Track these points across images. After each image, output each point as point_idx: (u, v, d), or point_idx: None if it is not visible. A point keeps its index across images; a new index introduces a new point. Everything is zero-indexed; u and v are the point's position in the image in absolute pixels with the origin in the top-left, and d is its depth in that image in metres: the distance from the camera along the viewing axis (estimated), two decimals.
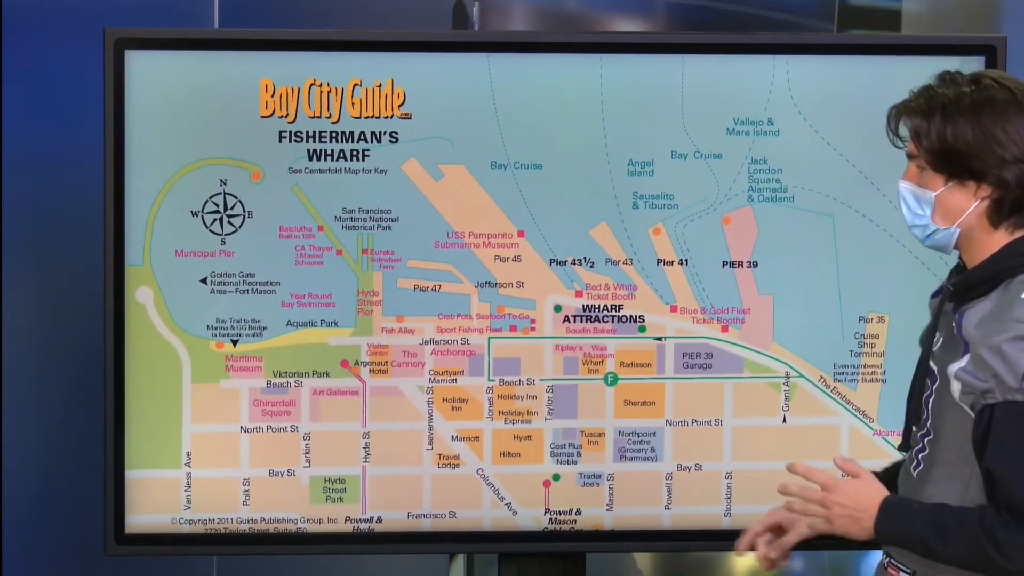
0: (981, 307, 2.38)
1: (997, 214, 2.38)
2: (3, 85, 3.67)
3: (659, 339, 3.25)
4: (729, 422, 3.27)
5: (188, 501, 3.23)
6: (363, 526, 3.25)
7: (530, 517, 3.27)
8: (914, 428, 2.52)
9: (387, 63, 3.20)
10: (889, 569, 2.50)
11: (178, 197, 3.19)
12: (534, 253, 3.24)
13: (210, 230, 3.20)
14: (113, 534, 3.21)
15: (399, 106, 3.20)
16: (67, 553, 3.75)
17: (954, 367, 2.38)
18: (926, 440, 2.47)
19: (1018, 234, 2.40)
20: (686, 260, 3.25)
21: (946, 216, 2.41)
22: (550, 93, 3.21)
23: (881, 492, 2.43)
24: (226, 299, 3.21)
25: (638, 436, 3.26)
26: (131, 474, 3.21)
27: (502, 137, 3.21)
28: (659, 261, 3.25)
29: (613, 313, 3.25)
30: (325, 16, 3.91)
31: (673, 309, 3.25)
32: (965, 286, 2.42)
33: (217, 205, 3.20)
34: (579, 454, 3.26)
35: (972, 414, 2.37)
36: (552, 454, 3.26)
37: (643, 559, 4.27)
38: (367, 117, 3.20)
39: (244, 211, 3.20)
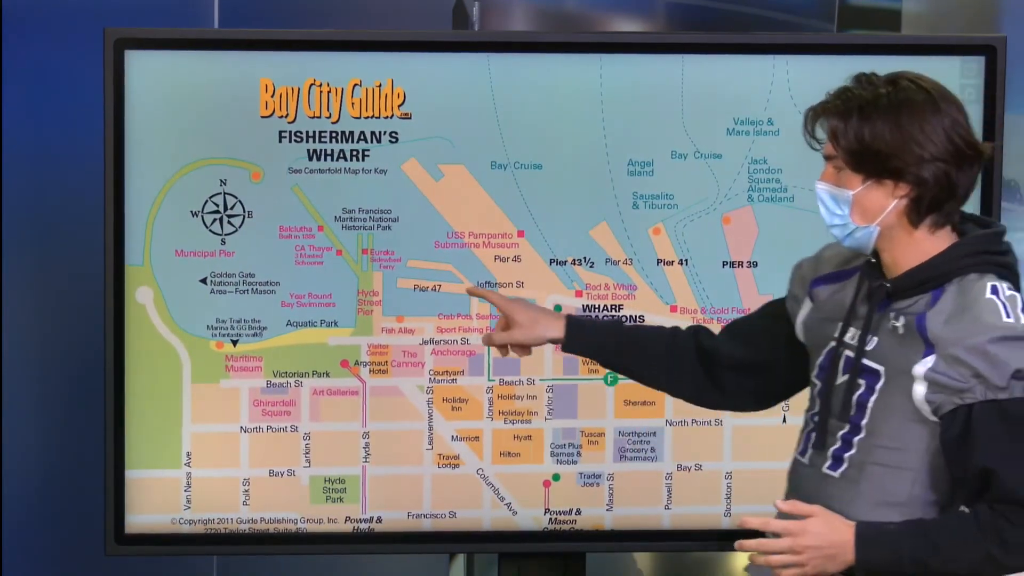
0: (941, 307, 2.37)
1: (916, 212, 2.39)
2: (3, 85, 3.67)
3: None
4: (729, 422, 3.27)
5: (188, 501, 3.23)
6: (363, 526, 3.25)
7: (530, 517, 3.27)
8: (828, 421, 2.49)
9: (387, 63, 3.20)
10: None
11: (178, 197, 3.19)
12: (534, 253, 3.24)
13: (210, 230, 3.20)
14: (113, 534, 3.21)
15: (399, 106, 3.20)
16: (67, 553, 3.75)
17: (919, 367, 2.36)
18: (855, 439, 2.44)
19: (939, 232, 2.41)
20: (686, 260, 3.25)
21: (864, 215, 2.41)
22: (550, 93, 3.21)
23: (845, 523, 2.38)
24: (226, 299, 3.21)
25: (638, 436, 3.26)
26: (131, 474, 3.21)
27: (502, 137, 3.21)
28: (659, 261, 3.25)
29: (613, 313, 3.25)
30: (325, 16, 3.91)
31: (673, 309, 3.26)
32: (907, 284, 2.41)
33: (217, 205, 3.20)
34: (579, 454, 3.27)
35: (932, 416, 2.36)
36: (552, 454, 3.26)
37: (643, 559, 4.27)
38: (367, 117, 3.20)
39: (244, 211, 3.20)
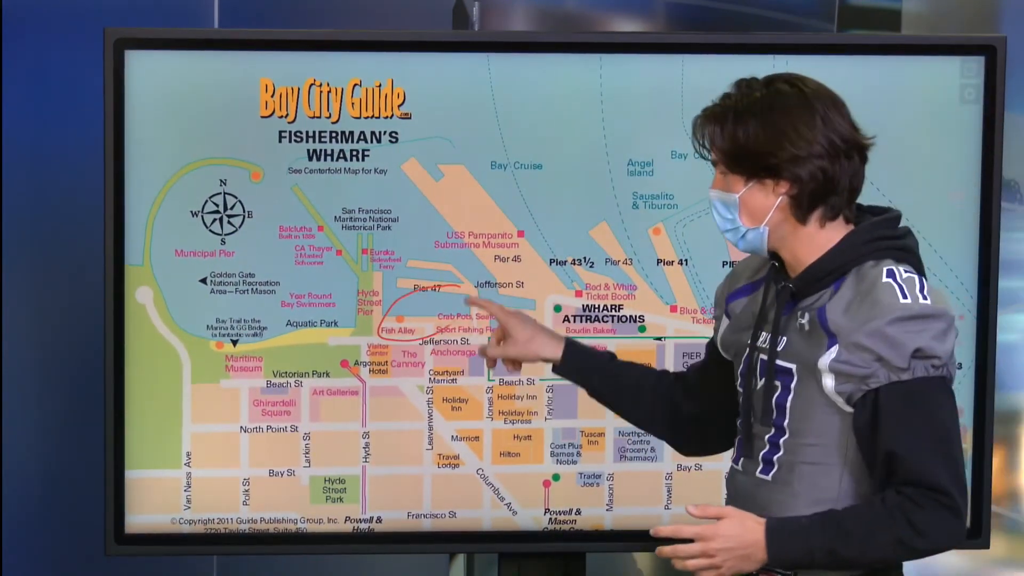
0: (840, 298, 2.39)
1: (799, 208, 2.41)
2: (3, 85, 3.67)
3: (659, 339, 3.25)
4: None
5: (188, 501, 3.23)
6: (363, 526, 3.25)
7: (530, 517, 3.27)
8: (751, 427, 2.50)
9: (387, 63, 3.20)
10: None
11: (178, 197, 3.19)
12: (534, 253, 3.24)
13: (210, 230, 3.20)
14: (113, 534, 3.21)
15: (399, 106, 3.20)
16: (67, 553, 3.75)
17: (824, 360, 2.37)
18: (781, 440, 2.45)
19: (830, 226, 2.43)
20: (686, 260, 3.25)
21: (752, 216, 2.44)
22: (550, 93, 3.21)
23: (757, 522, 2.39)
24: (226, 299, 3.21)
25: (638, 436, 3.26)
26: (131, 474, 3.21)
27: (502, 137, 3.21)
28: (659, 261, 3.25)
29: (613, 313, 3.25)
30: (325, 16, 3.91)
31: (673, 309, 3.26)
32: (808, 280, 2.43)
33: (217, 205, 3.20)
34: (579, 454, 3.27)
35: (846, 407, 2.38)
36: (552, 454, 3.26)
37: (643, 559, 4.27)
38: (367, 117, 3.20)
39: (244, 211, 3.20)
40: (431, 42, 3.22)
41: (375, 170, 3.21)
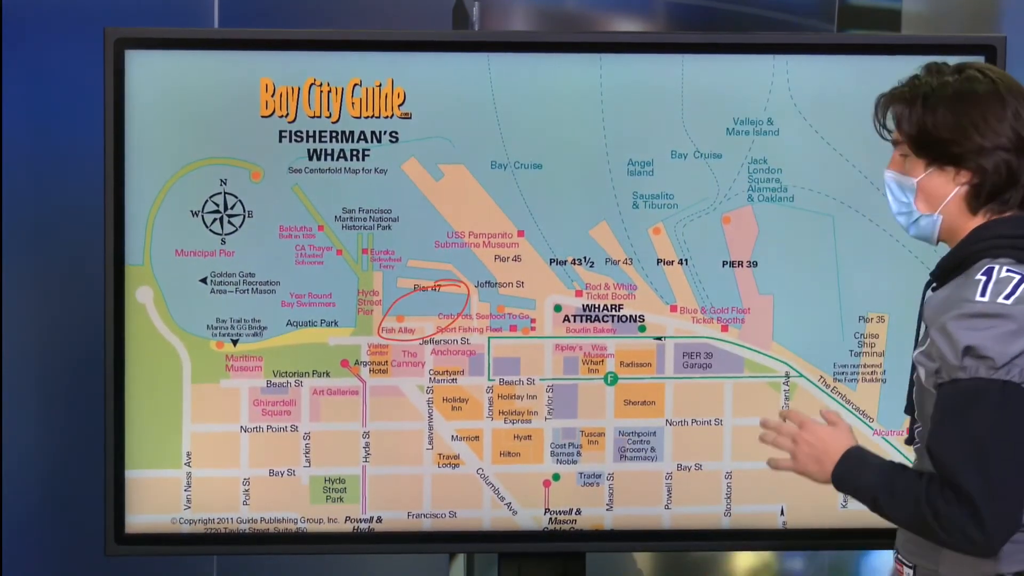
0: (942, 291, 2.43)
1: (975, 199, 2.43)
2: (3, 85, 3.67)
3: (659, 339, 3.25)
4: (729, 422, 3.27)
5: (188, 501, 3.23)
6: (363, 526, 3.25)
7: (530, 517, 3.27)
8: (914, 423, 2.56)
9: (387, 63, 3.20)
10: (896, 565, 2.52)
11: (178, 197, 3.19)
12: (534, 253, 3.24)
13: (210, 230, 3.20)
14: (113, 534, 3.21)
15: (399, 106, 3.20)
16: (67, 553, 3.75)
17: (916, 352, 2.44)
18: (916, 431, 2.51)
19: (993, 220, 2.44)
20: (686, 260, 3.25)
21: (928, 202, 2.45)
22: (550, 93, 3.21)
23: (850, 441, 2.46)
24: (226, 299, 3.21)
25: (638, 436, 3.26)
26: (131, 474, 3.21)
27: (502, 137, 3.21)
28: (659, 261, 3.25)
29: (613, 313, 3.25)
30: (325, 16, 3.91)
31: (673, 309, 3.26)
32: (940, 274, 2.47)
33: (217, 205, 3.20)
34: (579, 454, 3.27)
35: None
36: (552, 454, 3.26)
37: (643, 559, 4.27)
38: (367, 117, 3.20)
39: (244, 211, 3.20)
40: (431, 42, 3.22)
41: (375, 170, 3.21)
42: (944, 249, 2.50)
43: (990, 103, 2.40)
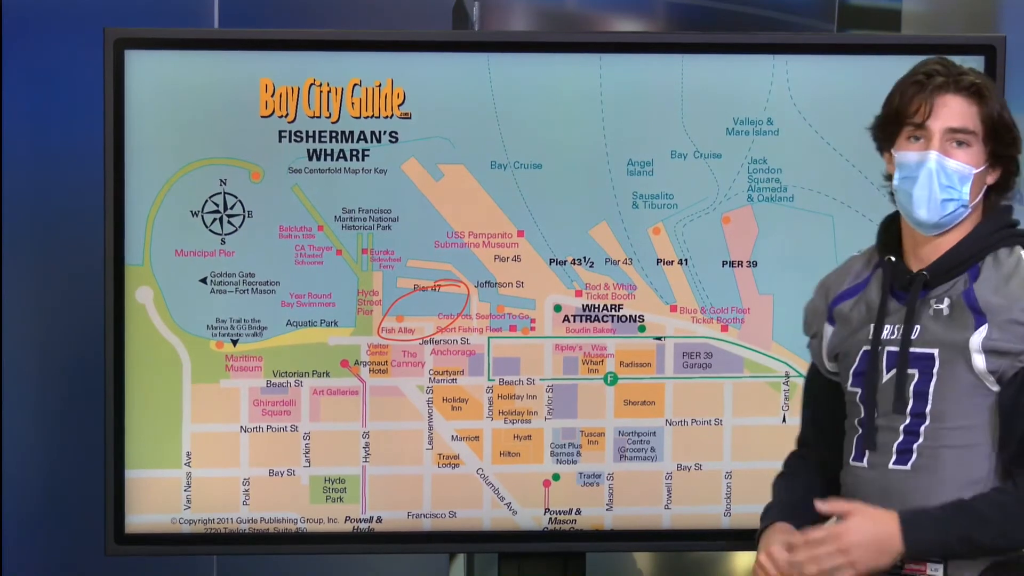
0: (985, 280, 2.43)
1: (987, 197, 2.49)
2: (3, 85, 3.67)
3: (659, 339, 3.25)
4: (729, 422, 3.27)
5: (188, 501, 3.23)
6: (363, 526, 3.25)
7: (530, 517, 3.27)
8: (875, 420, 2.50)
9: (387, 63, 3.20)
10: (907, 570, 2.46)
11: (178, 197, 3.19)
12: (534, 253, 3.24)
13: (210, 230, 3.20)
14: (113, 534, 3.21)
15: (399, 106, 3.20)
16: (67, 553, 3.75)
17: (976, 339, 2.41)
18: (922, 428, 2.46)
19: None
20: (686, 260, 3.25)
21: (973, 195, 2.47)
22: (550, 93, 3.21)
23: (889, 515, 2.40)
24: (226, 299, 3.21)
25: (638, 436, 3.26)
26: (131, 474, 3.21)
27: (502, 137, 3.21)
28: (659, 261, 3.25)
29: (613, 313, 3.25)
30: (325, 16, 3.91)
31: (673, 309, 3.25)
32: (945, 268, 2.47)
33: (217, 205, 3.20)
34: (579, 454, 3.26)
35: (996, 386, 2.41)
36: (552, 454, 3.26)
37: (643, 559, 4.27)
38: (367, 117, 3.20)
39: (244, 211, 3.20)
40: (431, 42, 3.22)
41: (375, 170, 3.21)
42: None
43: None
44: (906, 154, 2.46)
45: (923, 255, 2.50)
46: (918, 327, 2.47)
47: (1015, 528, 2.38)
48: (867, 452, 2.52)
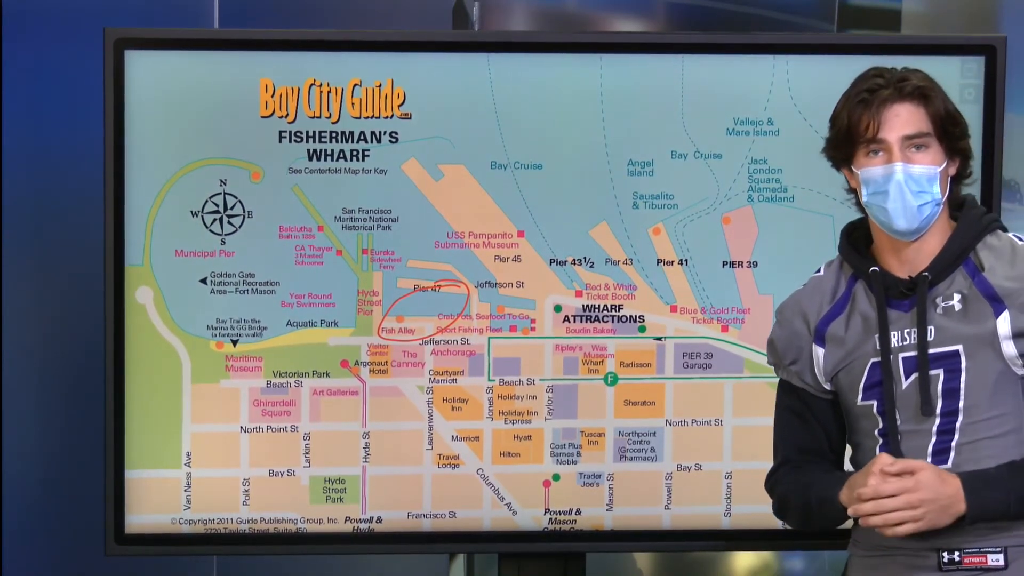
0: (990, 268, 2.45)
1: (950, 188, 2.50)
2: (3, 85, 3.67)
3: (659, 339, 3.25)
4: (729, 422, 3.27)
5: (188, 501, 3.23)
6: (363, 526, 3.25)
7: (530, 517, 3.27)
8: (898, 428, 2.50)
9: (387, 63, 3.20)
10: (965, 561, 2.46)
11: (178, 197, 3.19)
12: (534, 253, 3.24)
13: (210, 230, 3.20)
14: (113, 534, 3.21)
15: (399, 106, 3.20)
16: (67, 553, 3.75)
17: (1004, 326, 2.43)
18: (957, 424, 2.47)
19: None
20: (686, 260, 3.25)
21: (942, 190, 2.48)
22: (550, 93, 3.21)
23: (952, 475, 2.41)
24: (226, 299, 3.21)
25: (638, 436, 3.26)
26: (131, 474, 3.21)
27: (502, 137, 3.21)
28: (659, 261, 3.25)
29: (613, 313, 3.25)
30: (325, 16, 3.91)
31: (673, 309, 3.26)
32: (944, 264, 2.48)
33: (217, 205, 3.20)
34: (579, 454, 3.27)
35: (1021, 369, 2.43)
36: (552, 454, 3.26)
37: (643, 559, 4.27)
38: (367, 117, 3.20)
39: (244, 211, 3.20)
40: (431, 42, 3.22)
41: (375, 170, 3.21)
42: None
43: None
44: (870, 170, 2.48)
45: (907, 258, 2.50)
46: (931, 328, 2.47)
47: None
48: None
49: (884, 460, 2.41)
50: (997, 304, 2.44)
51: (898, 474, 2.40)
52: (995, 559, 2.45)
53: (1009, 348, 2.44)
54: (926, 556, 2.47)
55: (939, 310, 2.47)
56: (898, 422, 2.49)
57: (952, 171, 2.50)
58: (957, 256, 2.48)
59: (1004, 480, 2.41)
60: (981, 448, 2.45)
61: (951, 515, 2.40)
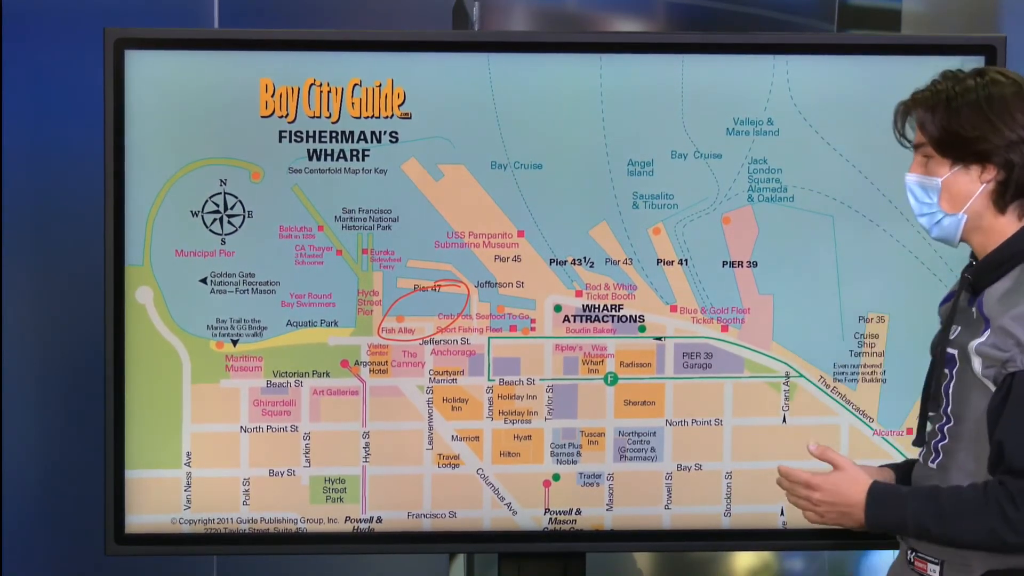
0: (1000, 285, 2.44)
1: (1002, 197, 2.45)
2: (3, 85, 3.67)
3: (659, 339, 3.25)
4: (729, 422, 3.27)
5: (188, 501, 3.23)
6: (363, 526, 3.25)
7: (530, 517, 3.27)
8: (929, 421, 2.55)
9: (387, 63, 3.20)
10: (916, 563, 2.51)
11: (178, 197, 3.19)
12: (534, 253, 3.24)
13: (210, 230, 3.20)
14: (113, 534, 3.21)
15: (399, 106, 3.20)
16: (67, 553, 3.76)
17: (975, 343, 2.43)
18: (946, 428, 2.50)
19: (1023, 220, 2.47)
20: (686, 260, 3.25)
21: (952, 202, 2.47)
22: (550, 93, 3.21)
23: (866, 482, 2.48)
24: (226, 299, 3.21)
25: (638, 436, 3.26)
26: (131, 474, 3.21)
27: (502, 137, 3.21)
28: (659, 261, 3.25)
29: (613, 313, 3.25)
30: (325, 16, 3.91)
31: (673, 309, 3.26)
32: (983, 271, 2.48)
33: (217, 205, 3.20)
34: (579, 454, 3.27)
35: (993, 388, 2.42)
36: (552, 454, 3.26)
37: (643, 559, 4.27)
38: (367, 117, 3.20)
39: (244, 211, 3.20)
40: (431, 42, 3.22)
41: (375, 170, 3.21)
42: (963, 249, 2.53)
43: (1015, 99, 2.44)
44: None
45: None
46: (958, 328, 2.50)
47: (963, 531, 2.39)
48: (922, 447, 2.58)
49: (822, 448, 2.56)
50: (986, 323, 2.43)
51: (820, 458, 2.56)
52: (933, 569, 2.49)
53: (976, 365, 2.44)
54: (905, 549, 2.56)
55: (970, 312, 2.49)
56: (929, 412, 2.55)
57: (987, 179, 2.46)
58: (999, 265, 2.47)
59: (909, 503, 2.44)
60: (956, 456, 2.47)
61: (854, 520, 2.50)
